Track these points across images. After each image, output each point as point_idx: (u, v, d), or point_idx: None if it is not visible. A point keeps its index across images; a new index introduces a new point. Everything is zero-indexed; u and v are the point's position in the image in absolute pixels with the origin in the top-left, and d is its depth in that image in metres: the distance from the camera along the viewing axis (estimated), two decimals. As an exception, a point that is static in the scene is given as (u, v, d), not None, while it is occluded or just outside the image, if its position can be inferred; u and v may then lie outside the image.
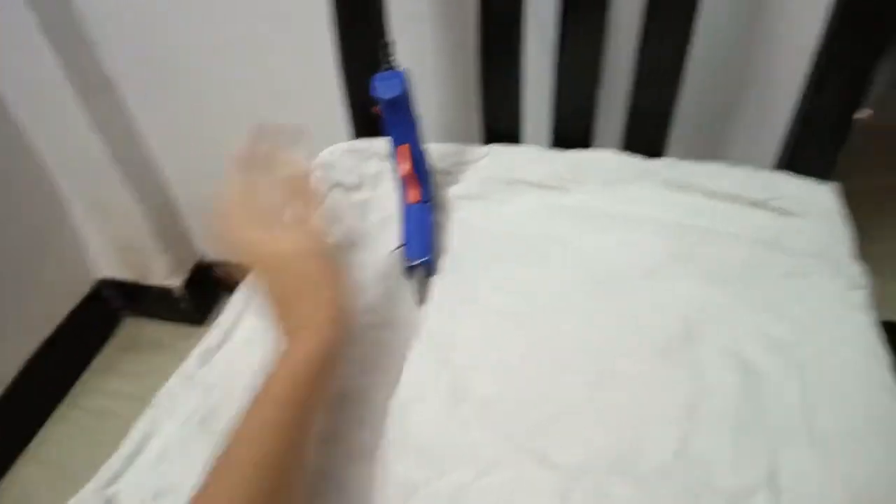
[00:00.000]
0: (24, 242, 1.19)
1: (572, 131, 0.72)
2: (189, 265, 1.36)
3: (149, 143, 1.17)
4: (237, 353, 0.58)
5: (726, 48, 0.75)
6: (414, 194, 0.65)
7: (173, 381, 0.55)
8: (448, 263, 0.64)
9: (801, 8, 0.69)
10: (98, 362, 1.38)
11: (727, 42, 0.75)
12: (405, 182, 0.65)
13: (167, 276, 1.32)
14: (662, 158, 0.70)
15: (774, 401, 0.49)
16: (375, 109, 0.62)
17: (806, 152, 0.67)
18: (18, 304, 1.21)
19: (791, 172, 0.67)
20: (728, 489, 0.44)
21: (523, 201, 0.68)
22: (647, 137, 0.70)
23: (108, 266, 1.36)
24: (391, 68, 0.62)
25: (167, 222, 1.28)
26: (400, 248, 0.63)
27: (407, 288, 0.61)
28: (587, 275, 0.60)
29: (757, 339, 0.53)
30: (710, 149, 0.83)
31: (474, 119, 0.76)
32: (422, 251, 0.62)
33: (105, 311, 1.42)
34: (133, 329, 1.44)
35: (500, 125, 0.75)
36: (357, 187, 0.73)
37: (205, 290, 1.39)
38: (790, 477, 0.44)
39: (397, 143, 0.64)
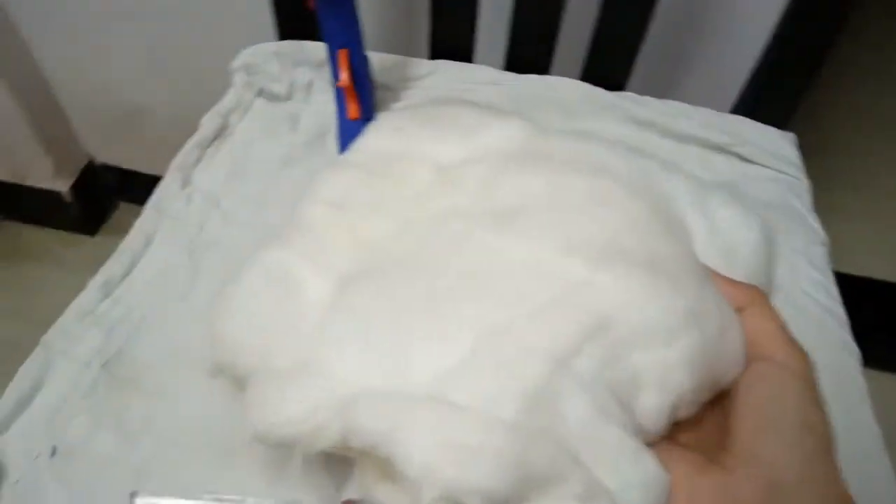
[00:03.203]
0: None
1: (530, 54, 0.66)
2: (77, 167, 1.22)
3: (21, 29, 0.99)
4: (147, 285, 0.50)
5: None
6: (354, 109, 0.57)
7: (68, 317, 0.46)
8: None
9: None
10: (-34, 273, 1.23)
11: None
12: (343, 94, 0.57)
13: (52, 178, 1.18)
14: (624, 93, 0.65)
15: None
16: (309, 2, 0.53)
17: (767, 99, 0.64)
18: None
19: (750, 119, 0.64)
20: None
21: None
22: (610, 67, 0.64)
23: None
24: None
25: (48, 119, 1.12)
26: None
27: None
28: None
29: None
30: (667, 87, 0.79)
31: (421, 29, 0.68)
32: (364, 177, 0.55)
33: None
34: (11, 235, 1.28)
35: (450, 39, 0.67)
36: (286, 97, 0.64)
37: (97, 196, 1.26)
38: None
39: (335, 47, 0.54)
